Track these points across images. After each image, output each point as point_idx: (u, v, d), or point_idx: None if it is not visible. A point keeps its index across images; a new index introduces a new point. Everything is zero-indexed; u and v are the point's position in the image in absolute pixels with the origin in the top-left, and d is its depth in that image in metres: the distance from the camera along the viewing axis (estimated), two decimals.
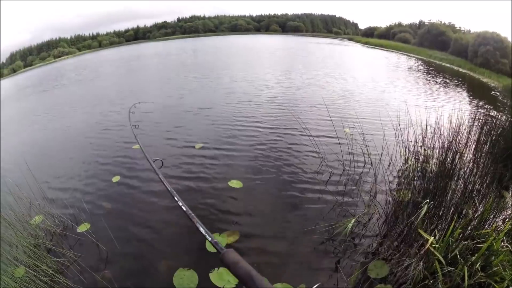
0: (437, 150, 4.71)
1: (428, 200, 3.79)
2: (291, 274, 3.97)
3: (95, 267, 4.44)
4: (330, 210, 5.19)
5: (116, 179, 6.89)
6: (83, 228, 5.27)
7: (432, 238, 3.06)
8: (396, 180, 5.45)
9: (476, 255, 2.98)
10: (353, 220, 4.35)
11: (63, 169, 7.90)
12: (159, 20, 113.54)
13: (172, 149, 8.28)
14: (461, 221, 3.52)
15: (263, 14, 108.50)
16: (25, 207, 5.57)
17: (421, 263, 3.20)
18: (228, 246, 4.49)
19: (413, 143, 5.00)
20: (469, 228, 3.48)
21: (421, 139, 4.94)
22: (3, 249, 4.44)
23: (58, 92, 23.03)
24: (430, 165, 4.58)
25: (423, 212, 3.62)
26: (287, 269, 4.08)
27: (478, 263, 2.95)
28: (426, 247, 3.01)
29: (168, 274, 4.17)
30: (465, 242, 3.17)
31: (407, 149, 5.12)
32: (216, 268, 4.13)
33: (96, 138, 9.97)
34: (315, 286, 3.58)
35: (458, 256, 3.04)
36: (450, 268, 2.97)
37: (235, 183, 6.24)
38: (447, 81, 18.82)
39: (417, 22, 60.42)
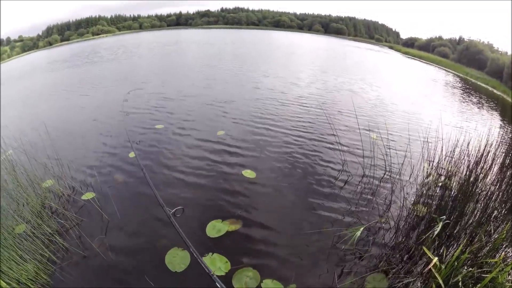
0: (461, 169, 4.49)
1: (444, 217, 3.59)
2: (284, 271, 3.87)
3: (93, 234, 4.51)
4: (341, 214, 5.00)
5: (132, 155, 6.97)
6: (89, 195, 5.39)
7: (436, 258, 2.87)
8: (414, 193, 5.21)
9: (478, 286, 2.79)
10: (362, 228, 4.10)
11: (81, 140, 8.10)
12: (202, 8, 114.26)
13: (188, 139, 8.18)
14: (472, 246, 3.30)
15: (307, 13, 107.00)
16: (39, 170, 5.71)
17: (419, 283, 3.03)
18: (228, 233, 4.54)
19: (437, 159, 4.79)
20: (478, 255, 3.28)
21: (446, 156, 4.72)
22: (8, 206, 4.58)
23: (89, 68, 23.67)
24: (452, 183, 4.37)
25: (437, 231, 3.41)
26: (282, 266, 3.98)
27: None
28: (428, 267, 2.84)
29: (163, 253, 4.17)
30: (471, 269, 2.99)
31: (431, 164, 4.90)
32: (210, 253, 4.12)
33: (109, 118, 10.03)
34: None
35: (460, 283, 2.86)
36: None
37: (248, 173, 6.23)
38: (483, 101, 18.21)
39: (457, 38, 59.28)
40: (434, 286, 2.80)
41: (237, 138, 8.09)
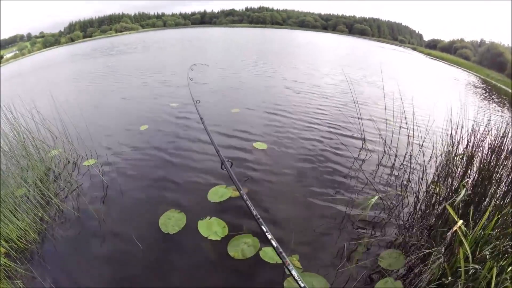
0: (482, 152, 4.13)
1: (465, 186, 3.24)
2: (288, 242, 3.54)
3: (91, 197, 4.48)
4: (355, 188, 4.71)
5: (144, 127, 7.20)
6: (91, 161, 5.47)
7: (461, 221, 2.54)
8: (433, 173, 4.86)
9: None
10: (377, 196, 3.77)
11: (96, 116, 8.39)
12: (227, 7, 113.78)
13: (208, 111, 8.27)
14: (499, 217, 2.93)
15: (331, 14, 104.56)
16: (48, 138, 5.82)
17: (443, 256, 2.66)
18: (231, 199, 4.36)
19: (458, 142, 4.43)
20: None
21: (468, 140, 4.36)
22: (12, 170, 4.58)
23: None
24: (473, 164, 4.02)
25: (461, 195, 3.05)
26: (286, 236, 3.65)
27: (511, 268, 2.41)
28: (454, 229, 2.52)
29: (158, 215, 4.02)
30: (497, 242, 2.61)
31: (452, 146, 4.53)
32: (208, 217, 3.94)
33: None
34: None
35: (488, 256, 2.51)
36: (476, 266, 2.43)
37: (260, 145, 6.14)
38: (504, 102, 17.73)
39: (479, 40, 58.47)
40: (461, 253, 2.42)
41: (252, 115, 8.14)
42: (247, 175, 5.00)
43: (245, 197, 2.78)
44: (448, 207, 2.78)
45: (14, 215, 3.61)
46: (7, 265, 3.18)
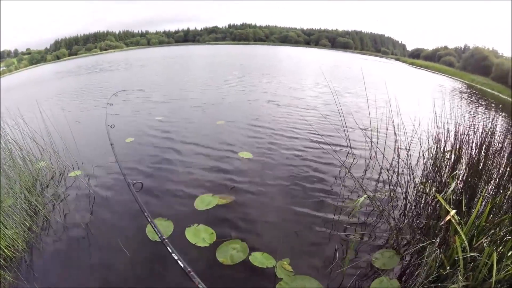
0: (470, 150, 4.13)
1: (456, 178, 3.27)
2: (277, 246, 3.50)
3: (78, 208, 4.47)
4: (343, 192, 4.72)
5: (129, 140, 7.26)
6: (77, 173, 5.52)
7: (454, 211, 2.56)
8: (421, 174, 4.85)
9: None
10: (365, 196, 3.90)
11: (81, 130, 8.53)
12: (210, 25, 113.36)
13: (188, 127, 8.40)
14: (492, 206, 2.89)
15: (313, 28, 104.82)
16: (35, 150, 5.71)
17: (438, 249, 2.63)
18: (218, 207, 4.37)
19: (445, 141, 4.43)
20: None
21: (455, 139, 4.35)
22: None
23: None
24: (461, 163, 4.01)
25: (451, 187, 3.16)
26: (274, 240, 3.63)
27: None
28: (447, 218, 2.54)
29: (144, 224, 3.94)
30: (494, 231, 2.65)
31: (438, 146, 4.52)
32: (195, 224, 3.91)
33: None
34: None
35: (485, 244, 2.52)
36: (475, 254, 2.45)
37: (245, 154, 6.20)
38: (491, 105, 17.90)
39: (462, 46, 59.38)
40: (458, 243, 2.44)
41: (237, 126, 8.19)
42: (233, 183, 5.01)
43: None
44: (439, 197, 2.79)
45: (4, 224, 3.56)
46: None
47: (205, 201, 4.42)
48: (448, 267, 2.53)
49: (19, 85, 27.78)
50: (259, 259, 3.30)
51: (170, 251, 2.39)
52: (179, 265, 2.28)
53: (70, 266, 3.39)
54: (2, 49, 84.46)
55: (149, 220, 2.70)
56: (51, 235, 3.86)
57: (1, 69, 69.41)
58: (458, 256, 2.43)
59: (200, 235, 3.66)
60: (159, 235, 2.49)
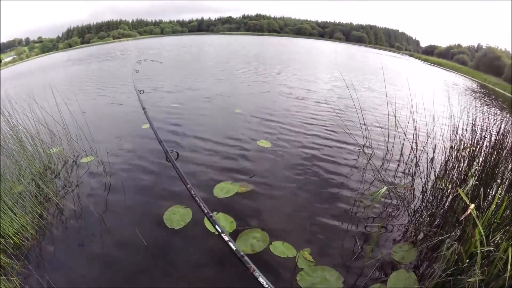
0: (484, 148, 4.10)
1: (476, 172, 3.28)
2: (298, 235, 3.53)
3: (93, 195, 4.37)
4: (362, 184, 4.68)
5: (145, 126, 7.12)
6: (90, 158, 5.45)
7: (474, 205, 2.46)
8: (438, 169, 4.82)
9: None
10: (385, 188, 3.82)
11: (96, 116, 8.36)
12: (224, 15, 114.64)
13: (205, 113, 8.49)
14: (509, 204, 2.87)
15: (328, 21, 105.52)
16: (48, 137, 5.62)
17: (456, 242, 2.61)
18: (237, 195, 4.32)
19: (461, 139, 4.39)
20: None
21: (470, 137, 4.32)
22: (9, 166, 4.48)
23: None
24: (476, 160, 3.99)
25: (470, 183, 3.05)
26: (295, 230, 3.65)
27: None
28: (468, 211, 2.43)
29: (162, 211, 3.92)
30: (507, 227, 2.62)
31: (454, 143, 4.49)
32: (215, 212, 3.85)
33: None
34: None
35: (500, 240, 2.56)
36: (491, 248, 2.42)
37: (264, 143, 6.19)
38: (505, 106, 17.75)
39: (476, 45, 58.88)
40: (477, 235, 2.39)
41: (254, 115, 8.11)
42: (252, 171, 4.97)
43: (192, 192, 2.80)
44: (460, 190, 2.72)
45: (12, 211, 3.52)
46: (3, 261, 3.08)
47: (224, 189, 4.38)
48: (467, 260, 2.52)
49: (30, 71, 28.01)
50: (280, 248, 3.27)
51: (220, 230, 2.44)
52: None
53: (82, 256, 3.32)
54: (12, 38, 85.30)
55: (192, 194, 2.78)
56: (63, 223, 3.79)
57: (10, 58, 70.01)
58: (475, 250, 2.43)
59: (220, 223, 3.57)
60: (206, 211, 2.60)
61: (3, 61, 66.98)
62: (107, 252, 3.34)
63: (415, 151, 4.88)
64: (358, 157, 5.59)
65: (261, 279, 1.92)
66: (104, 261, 3.23)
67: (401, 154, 5.43)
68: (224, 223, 3.65)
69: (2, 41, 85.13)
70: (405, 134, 5.38)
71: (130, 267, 3.14)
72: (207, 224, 3.60)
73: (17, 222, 3.50)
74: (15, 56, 72.45)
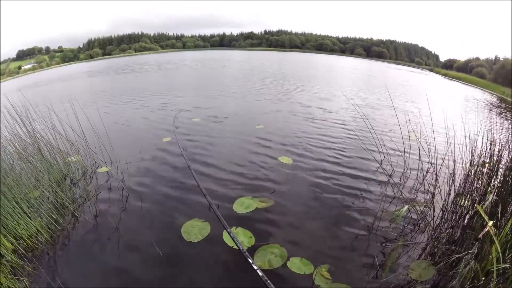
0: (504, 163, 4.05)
1: (494, 190, 3.25)
2: (316, 252, 3.48)
3: (110, 205, 4.41)
4: (380, 202, 4.59)
5: (166, 139, 7.27)
6: (106, 169, 5.54)
7: (492, 222, 2.47)
8: (457, 186, 4.77)
9: None
10: (406, 207, 3.83)
11: (116, 128, 8.57)
12: (246, 30, 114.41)
13: (226, 127, 8.53)
14: None
15: (348, 36, 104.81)
16: (67, 146, 5.73)
17: (474, 260, 2.61)
18: (257, 210, 4.29)
19: (479, 156, 4.35)
20: None
21: (489, 154, 4.27)
22: (25, 175, 4.52)
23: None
24: (498, 177, 3.94)
25: (489, 200, 3.06)
26: (314, 246, 3.59)
27: None
28: (486, 228, 2.44)
29: (180, 223, 3.94)
30: None
31: (473, 160, 4.45)
32: (234, 227, 3.83)
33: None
34: None
35: None
36: (507, 265, 2.46)
37: (285, 159, 6.14)
38: None
39: (493, 58, 58.11)
40: (494, 252, 2.41)
41: (275, 131, 8.12)
42: (273, 187, 4.96)
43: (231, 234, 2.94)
44: (479, 207, 2.73)
45: (27, 214, 3.58)
46: (14, 261, 3.14)
47: (244, 204, 4.37)
48: (483, 278, 2.53)
49: (49, 80, 28.79)
50: (297, 264, 3.23)
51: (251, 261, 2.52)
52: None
53: (96, 264, 3.33)
54: (32, 46, 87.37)
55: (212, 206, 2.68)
56: (79, 231, 3.82)
57: (30, 65, 71.79)
58: (491, 267, 2.44)
59: (238, 238, 3.56)
60: (238, 245, 2.55)
61: (22, 68, 68.78)
62: (122, 262, 3.35)
63: (434, 168, 4.86)
64: (376, 174, 5.54)
65: None
66: (119, 270, 3.23)
67: (420, 170, 5.38)
68: (243, 238, 3.62)
69: (21, 49, 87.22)
70: (422, 149, 5.39)
71: (145, 279, 3.13)
72: (226, 239, 3.58)
73: (32, 225, 3.56)
74: (35, 64, 74.09)
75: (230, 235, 2.55)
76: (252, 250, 3.43)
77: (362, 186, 5.09)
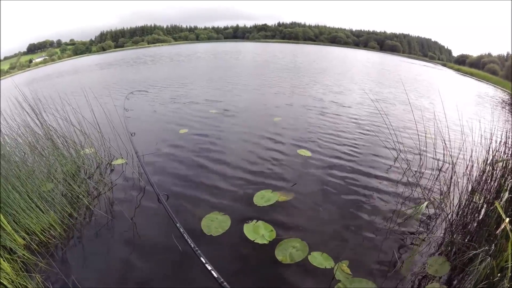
0: None
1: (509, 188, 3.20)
2: (336, 247, 3.45)
3: (126, 199, 4.34)
4: (398, 197, 4.57)
5: (183, 131, 7.22)
6: (122, 161, 5.48)
7: (508, 219, 2.45)
8: (472, 184, 4.71)
9: None
10: (426, 203, 3.85)
11: (133, 119, 8.37)
12: (259, 23, 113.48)
13: (242, 121, 8.36)
14: None
15: (362, 30, 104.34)
16: (81, 138, 5.66)
17: (490, 257, 2.63)
18: (278, 203, 4.23)
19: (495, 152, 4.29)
20: None
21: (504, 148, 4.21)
22: (38, 168, 4.52)
23: None
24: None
25: (505, 198, 3.04)
26: (334, 241, 3.56)
27: None
28: (503, 225, 2.45)
29: (200, 217, 3.87)
30: None
31: (488, 155, 4.38)
32: (254, 220, 3.78)
33: None
34: None
35: None
36: None
37: (304, 152, 6.08)
38: None
39: (505, 54, 57.45)
40: (509, 250, 2.41)
41: (293, 124, 8.09)
42: (293, 180, 4.90)
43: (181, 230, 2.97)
44: (497, 203, 2.71)
45: (40, 208, 3.52)
46: (26, 257, 3.08)
47: (265, 197, 4.31)
48: (498, 274, 2.53)
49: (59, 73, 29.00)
50: (319, 259, 3.19)
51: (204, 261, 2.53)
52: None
53: (112, 259, 3.29)
54: (43, 40, 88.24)
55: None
56: (93, 225, 3.76)
57: (41, 58, 72.52)
58: (506, 264, 2.46)
59: (259, 232, 3.55)
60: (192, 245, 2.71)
61: (33, 61, 69.52)
62: (138, 256, 3.29)
63: (450, 165, 4.83)
64: (393, 169, 5.50)
65: None
66: (136, 267, 3.16)
67: (436, 167, 5.44)
68: (264, 231, 3.57)
69: (32, 42, 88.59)
70: (437, 146, 5.39)
71: (163, 273, 3.09)
72: (247, 232, 3.56)
73: (45, 220, 3.51)
74: (46, 57, 74.86)
75: (180, 230, 2.57)
76: (274, 244, 3.40)
77: (379, 181, 5.03)
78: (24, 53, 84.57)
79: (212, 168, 5.27)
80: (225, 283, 2.17)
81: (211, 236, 3.53)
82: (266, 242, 3.41)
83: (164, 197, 3.95)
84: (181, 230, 2.87)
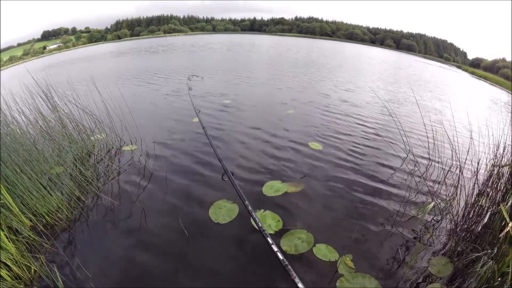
0: None
1: None
2: (342, 240, 3.46)
3: (135, 184, 4.34)
4: (406, 195, 4.54)
5: (195, 119, 7.07)
6: (133, 147, 5.49)
7: None
8: (478, 186, 4.68)
9: None
10: (433, 203, 3.89)
11: (143, 107, 8.57)
12: (276, 16, 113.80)
13: (254, 112, 8.47)
14: None
15: (379, 27, 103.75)
16: (92, 123, 5.70)
17: (491, 260, 2.63)
18: (286, 194, 4.24)
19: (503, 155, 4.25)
20: None
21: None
22: (48, 151, 4.54)
23: None
24: None
25: (510, 201, 3.04)
26: (339, 235, 3.57)
27: None
28: (507, 229, 2.54)
29: (207, 204, 3.89)
30: None
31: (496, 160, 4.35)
32: (262, 210, 3.80)
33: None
34: None
35: None
36: None
37: (315, 145, 6.08)
38: None
39: None
40: (510, 254, 2.45)
41: (306, 117, 8.10)
42: (303, 172, 4.90)
43: (249, 208, 2.85)
44: (502, 206, 2.77)
45: (47, 190, 3.53)
46: (31, 238, 3.12)
47: (274, 187, 4.31)
48: (498, 279, 2.52)
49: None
50: (323, 251, 3.20)
51: (270, 242, 2.45)
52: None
53: (119, 243, 3.28)
54: (58, 27, 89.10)
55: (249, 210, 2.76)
56: (101, 209, 3.77)
57: (55, 45, 73.30)
58: (507, 269, 2.46)
59: (266, 221, 3.55)
60: (259, 225, 2.60)
61: (47, 48, 70.23)
62: (145, 243, 3.28)
63: (457, 167, 4.80)
64: (401, 168, 5.47)
65: (300, 285, 2.01)
66: (142, 251, 3.16)
67: (443, 168, 5.38)
68: (271, 221, 3.58)
69: (47, 29, 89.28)
70: (446, 147, 5.35)
71: (170, 261, 3.08)
72: (254, 222, 3.54)
73: (52, 202, 3.52)
74: (61, 44, 75.45)
75: (247, 209, 2.55)
76: (280, 234, 3.41)
77: (387, 180, 5.01)
78: (38, 40, 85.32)
79: (224, 158, 5.18)
80: (289, 266, 2.15)
81: (219, 223, 3.55)
82: (272, 232, 3.41)
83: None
84: (249, 208, 2.84)
